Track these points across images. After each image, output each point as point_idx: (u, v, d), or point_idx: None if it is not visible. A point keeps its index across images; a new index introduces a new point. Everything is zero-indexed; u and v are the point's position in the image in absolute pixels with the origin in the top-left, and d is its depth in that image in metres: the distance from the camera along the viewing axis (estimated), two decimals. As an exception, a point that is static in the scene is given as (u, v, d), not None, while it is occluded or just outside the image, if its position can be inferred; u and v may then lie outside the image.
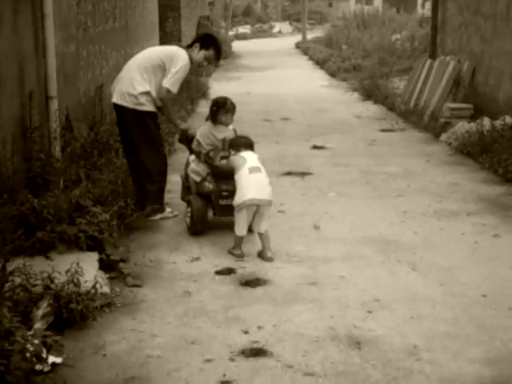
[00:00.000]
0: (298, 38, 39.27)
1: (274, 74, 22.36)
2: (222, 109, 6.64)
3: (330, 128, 12.43)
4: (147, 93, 6.81)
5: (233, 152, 6.31)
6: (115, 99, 6.99)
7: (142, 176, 6.99)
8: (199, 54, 7.00)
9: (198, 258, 5.96)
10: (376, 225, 6.85)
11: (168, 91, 6.76)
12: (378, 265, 5.81)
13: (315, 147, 10.67)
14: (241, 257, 5.96)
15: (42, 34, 7.46)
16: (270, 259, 5.88)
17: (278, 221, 6.87)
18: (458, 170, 9.16)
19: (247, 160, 6.07)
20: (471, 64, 12.55)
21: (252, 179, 5.95)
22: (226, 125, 6.68)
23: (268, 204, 5.98)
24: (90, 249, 5.62)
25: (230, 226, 6.29)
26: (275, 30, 50.51)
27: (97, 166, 7.51)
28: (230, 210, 6.22)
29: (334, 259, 5.92)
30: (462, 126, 10.73)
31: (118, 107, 7.01)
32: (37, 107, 7.21)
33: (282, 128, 12.48)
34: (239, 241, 6.03)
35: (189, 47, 7.06)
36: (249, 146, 6.38)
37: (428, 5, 38.58)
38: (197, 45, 7.01)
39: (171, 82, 6.73)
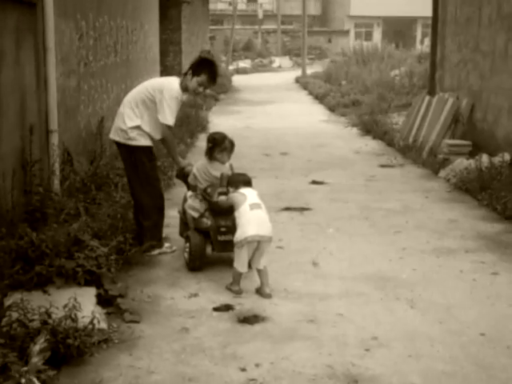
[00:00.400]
0: (298, 72, 39.51)
1: (273, 109, 22.48)
2: (218, 146, 6.63)
3: (328, 163, 12.47)
4: (137, 127, 6.79)
5: (232, 189, 6.32)
6: (111, 135, 7.03)
7: (138, 211, 6.99)
8: (192, 82, 6.85)
9: (195, 294, 5.94)
10: (374, 261, 6.84)
11: (168, 127, 6.75)
12: (376, 302, 5.79)
13: (314, 182, 10.69)
14: (239, 293, 5.95)
15: (43, 68, 7.53)
16: (268, 296, 5.87)
17: (277, 257, 6.86)
18: (457, 206, 9.17)
19: (247, 196, 6.08)
20: (470, 100, 12.63)
21: (253, 216, 5.95)
22: (222, 163, 6.65)
23: (269, 240, 5.99)
24: (88, 283, 5.60)
25: (227, 262, 6.30)
26: (275, 64, 50.83)
27: (96, 200, 7.52)
28: (228, 245, 6.25)
29: (332, 296, 5.91)
30: (461, 163, 10.77)
31: (115, 143, 7.04)
32: (37, 140, 7.25)
33: (282, 163, 12.52)
34: (238, 277, 6.01)
35: (184, 75, 6.97)
36: (247, 182, 6.38)
37: (427, 41, 39.08)
38: (190, 72, 6.89)
39: (167, 117, 6.69)
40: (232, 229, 6.17)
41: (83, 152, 8.90)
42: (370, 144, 14.86)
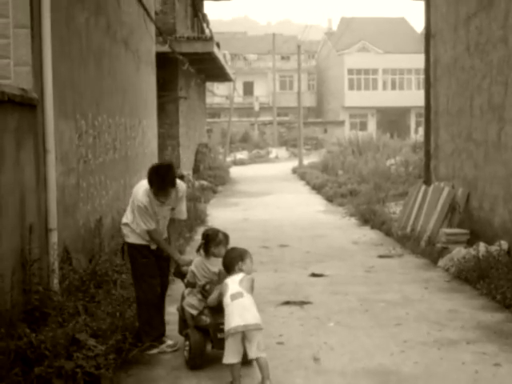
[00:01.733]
0: (295, 163, 39.96)
1: (271, 200, 22.65)
2: (212, 241, 6.67)
3: (327, 255, 12.50)
4: (127, 224, 7.00)
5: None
6: None
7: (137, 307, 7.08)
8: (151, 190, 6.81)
9: (196, 393, 5.88)
10: (376, 355, 6.78)
11: (146, 231, 6.87)
12: (378, 398, 5.73)
13: (314, 275, 10.67)
14: None
15: (43, 168, 7.65)
16: None
17: (277, 353, 6.81)
18: (456, 296, 9.16)
19: (228, 286, 6.05)
20: (465, 189, 12.77)
21: (234, 306, 5.90)
22: (220, 257, 6.61)
23: (255, 328, 5.84)
24: (87, 384, 5.56)
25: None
26: (272, 155, 51.45)
27: (95, 299, 7.51)
28: None
29: (334, 392, 5.85)
30: (459, 252, 10.80)
31: None
32: (36, 239, 7.30)
33: (281, 255, 12.54)
34: (234, 372, 5.90)
35: None
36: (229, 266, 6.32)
37: (421, 130, 39.64)
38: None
39: (139, 222, 6.83)
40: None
41: (82, 250, 8.94)
42: (368, 234, 14.92)
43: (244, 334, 5.82)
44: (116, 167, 11.93)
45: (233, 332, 5.81)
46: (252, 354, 5.82)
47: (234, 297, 5.95)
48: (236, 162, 43.95)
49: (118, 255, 9.65)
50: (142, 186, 6.88)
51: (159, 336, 6.99)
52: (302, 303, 8.89)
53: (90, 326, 6.36)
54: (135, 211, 6.83)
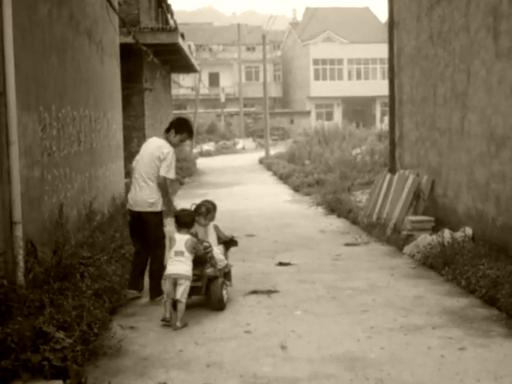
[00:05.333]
0: (262, 153, 39.97)
1: (238, 190, 22.66)
2: (195, 213, 8.35)
3: (294, 244, 12.55)
4: (152, 195, 8.60)
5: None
6: None
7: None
8: (175, 138, 8.64)
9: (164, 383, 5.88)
10: (343, 342, 6.84)
11: (171, 180, 8.56)
12: (345, 383, 5.77)
13: (281, 264, 10.71)
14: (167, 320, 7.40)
15: (6, 161, 7.56)
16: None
17: (244, 342, 6.85)
18: (422, 282, 9.26)
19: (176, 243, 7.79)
20: (430, 177, 12.90)
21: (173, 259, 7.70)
22: (201, 225, 8.40)
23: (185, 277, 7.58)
24: (54, 377, 5.53)
25: (195, 351, 6.23)
26: (239, 146, 51.42)
27: (62, 291, 7.46)
28: (196, 290, 7.89)
29: (301, 380, 5.87)
30: (424, 239, 10.91)
31: None
32: (1, 233, 7.24)
33: (248, 245, 12.54)
34: (166, 306, 7.52)
35: (167, 132, 8.73)
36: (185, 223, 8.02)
37: (386, 119, 39.85)
38: (172, 130, 8.65)
39: (174, 171, 8.57)
40: (200, 276, 7.86)
41: (48, 243, 8.86)
42: (335, 223, 15.01)
43: (175, 281, 7.51)
44: (81, 160, 11.84)
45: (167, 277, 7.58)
46: (177, 295, 7.45)
47: (176, 253, 7.65)
48: (203, 154, 43.88)
49: (84, 248, 9.61)
50: (159, 142, 8.58)
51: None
52: (269, 292, 8.92)
53: (55, 318, 6.32)
54: (171, 162, 8.35)
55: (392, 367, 6.11)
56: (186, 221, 7.95)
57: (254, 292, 8.93)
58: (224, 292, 8.11)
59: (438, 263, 9.73)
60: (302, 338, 7.03)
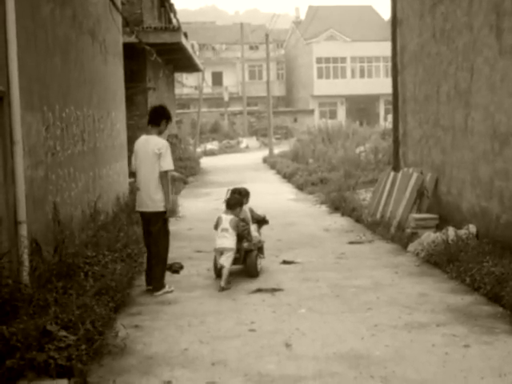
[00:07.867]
0: (265, 152, 39.96)
1: (242, 190, 22.57)
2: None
3: (298, 242, 12.56)
4: (156, 195, 8.93)
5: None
6: None
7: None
8: (162, 127, 9.14)
9: (169, 382, 5.88)
10: (347, 340, 6.84)
11: (169, 171, 9.04)
12: (350, 381, 5.77)
13: (285, 262, 10.73)
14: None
15: (11, 161, 7.58)
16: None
17: (249, 340, 6.86)
18: (426, 280, 9.26)
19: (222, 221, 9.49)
20: (434, 175, 12.89)
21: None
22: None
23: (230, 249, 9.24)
24: (59, 375, 5.54)
25: (198, 350, 6.24)
26: (242, 145, 51.42)
27: (68, 290, 7.47)
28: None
29: (305, 378, 5.87)
30: (428, 237, 10.91)
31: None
32: (6, 232, 7.25)
33: (252, 243, 12.55)
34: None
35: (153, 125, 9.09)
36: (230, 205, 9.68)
37: (390, 118, 39.84)
38: (157, 122, 9.08)
39: (172, 162, 8.97)
40: (239, 249, 9.44)
41: (52, 242, 8.89)
42: (339, 221, 15.01)
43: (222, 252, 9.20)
44: (85, 159, 11.86)
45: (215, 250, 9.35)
46: (222, 262, 9.10)
47: (222, 230, 9.29)
48: (206, 153, 43.88)
49: (88, 247, 9.63)
50: (152, 140, 8.86)
51: None
52: (273, 290, 8.94)
53: (60, 317, 6.34)
54: (168, 154, 8.76)
55: (396, 365, 6.11)
56: (232, 203, 9.58)
57: (259, 290, 8.94)
58: (258, 262, 9.76)
59: (442, 261, 9.72)
60: (307, 336, 7.04)
